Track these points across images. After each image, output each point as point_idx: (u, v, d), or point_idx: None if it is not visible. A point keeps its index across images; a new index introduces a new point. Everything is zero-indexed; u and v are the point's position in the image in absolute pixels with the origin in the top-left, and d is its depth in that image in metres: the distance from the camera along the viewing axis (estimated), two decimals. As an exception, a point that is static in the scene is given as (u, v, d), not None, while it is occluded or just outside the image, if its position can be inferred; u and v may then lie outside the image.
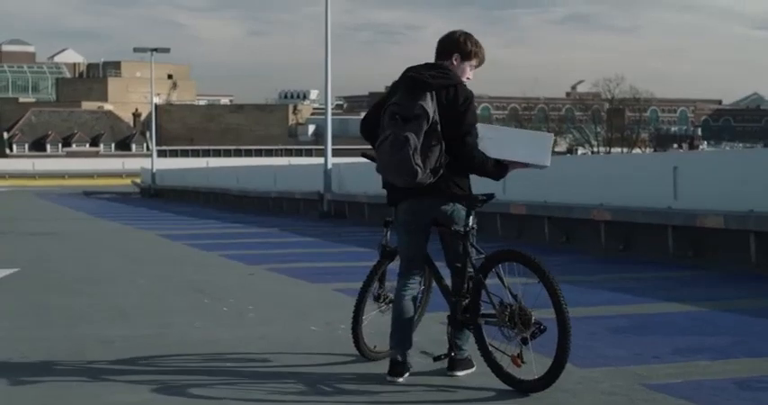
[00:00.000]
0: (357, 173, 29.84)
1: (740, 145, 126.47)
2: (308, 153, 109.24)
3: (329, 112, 32.15)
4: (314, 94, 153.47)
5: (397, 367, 6.38)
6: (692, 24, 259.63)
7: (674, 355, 7.13)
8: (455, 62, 6.42)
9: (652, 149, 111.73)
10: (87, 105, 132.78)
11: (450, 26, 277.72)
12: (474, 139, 6.26)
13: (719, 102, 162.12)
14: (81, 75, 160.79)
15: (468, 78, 6.46)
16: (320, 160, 31.60)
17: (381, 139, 6.22)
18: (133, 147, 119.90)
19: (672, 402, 5.80)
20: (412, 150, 6.06)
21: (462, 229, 6.34)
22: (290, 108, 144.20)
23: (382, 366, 6.60)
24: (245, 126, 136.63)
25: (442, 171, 6.17)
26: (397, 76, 6.38)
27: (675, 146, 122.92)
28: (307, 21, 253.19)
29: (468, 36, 6.48)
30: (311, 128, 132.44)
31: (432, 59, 6.46)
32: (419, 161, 6.08)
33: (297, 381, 6.41)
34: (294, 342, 7.84)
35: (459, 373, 6.49)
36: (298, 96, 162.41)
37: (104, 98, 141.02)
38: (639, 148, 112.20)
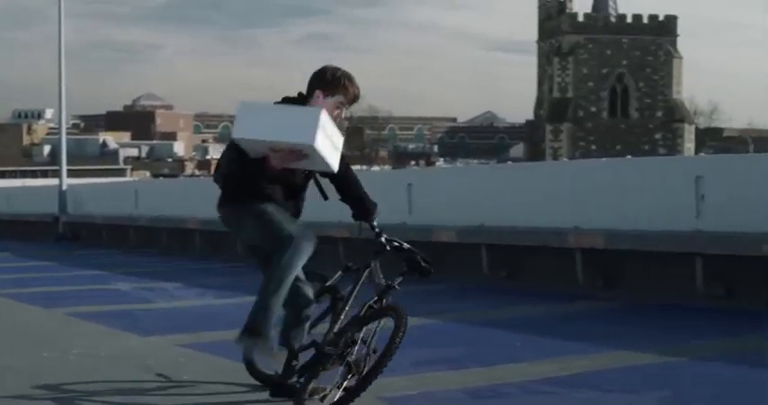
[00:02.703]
0: (94, 194, 29.17)
1: (475, 161, 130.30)
2: (44, 174, 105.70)
3: (63, 131, 31.35)
4: (49, 114, 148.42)
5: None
6: (427, 45, 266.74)
7: (409, 367, 7.25)
8: (319, 98, 6.11)
9: (390, 167, 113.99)
10: None
11: (192, 45, 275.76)
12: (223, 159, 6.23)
13: (455, 120, 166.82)
14: None
15: (337, 115, 6.15)
16: (56, 181, 30.76)
17: None
18: None
19: (407, 414, 5.94)
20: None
21: None
22: (25, 128, 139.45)
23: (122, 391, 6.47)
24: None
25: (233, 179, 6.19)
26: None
27: (413, 163, 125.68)
28: (42, 38, 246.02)
29: (334, 71, 6.14)
30: (47, 148, 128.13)
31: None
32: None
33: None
34: (28, 371, 7.56)
35: None
36: (32, 116, 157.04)
37: None
38: (378, 165, 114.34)
